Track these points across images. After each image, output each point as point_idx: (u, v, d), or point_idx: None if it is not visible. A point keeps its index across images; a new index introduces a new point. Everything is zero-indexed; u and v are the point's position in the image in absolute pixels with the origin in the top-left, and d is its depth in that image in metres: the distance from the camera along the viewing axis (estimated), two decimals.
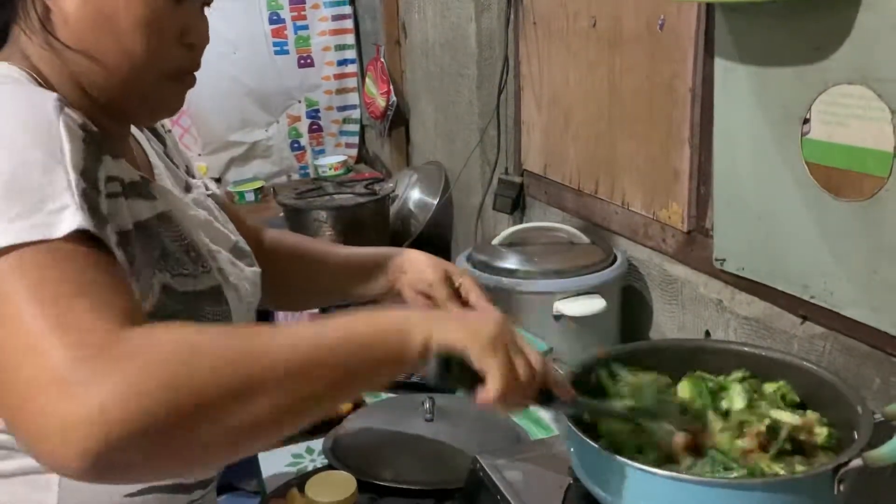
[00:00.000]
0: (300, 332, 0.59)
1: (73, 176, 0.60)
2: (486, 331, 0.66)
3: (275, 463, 1.17)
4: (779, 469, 0.78)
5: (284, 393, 0.55)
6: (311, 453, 1.19)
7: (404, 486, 1.04)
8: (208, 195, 0.91)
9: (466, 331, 0.66)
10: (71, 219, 0.57)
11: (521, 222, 1.68)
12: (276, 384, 0.54)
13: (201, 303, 0.75)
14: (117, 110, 0.73)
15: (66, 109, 0.64)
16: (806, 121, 0.98)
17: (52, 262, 0.56)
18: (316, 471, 1.12)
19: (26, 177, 0.58)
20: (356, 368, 0.60)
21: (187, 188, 0.88)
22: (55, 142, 0.60)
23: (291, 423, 0.58)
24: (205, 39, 0.75)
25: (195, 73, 0.77)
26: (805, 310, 1.04)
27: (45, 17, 0.68)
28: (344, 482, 0.92)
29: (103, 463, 0.49)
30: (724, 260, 1.16)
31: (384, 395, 1.36)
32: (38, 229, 0.56)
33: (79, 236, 0.57)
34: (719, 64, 1.12)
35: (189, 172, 0.92)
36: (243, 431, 0.53)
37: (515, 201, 1.80)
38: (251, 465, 1.24)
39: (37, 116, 0.62)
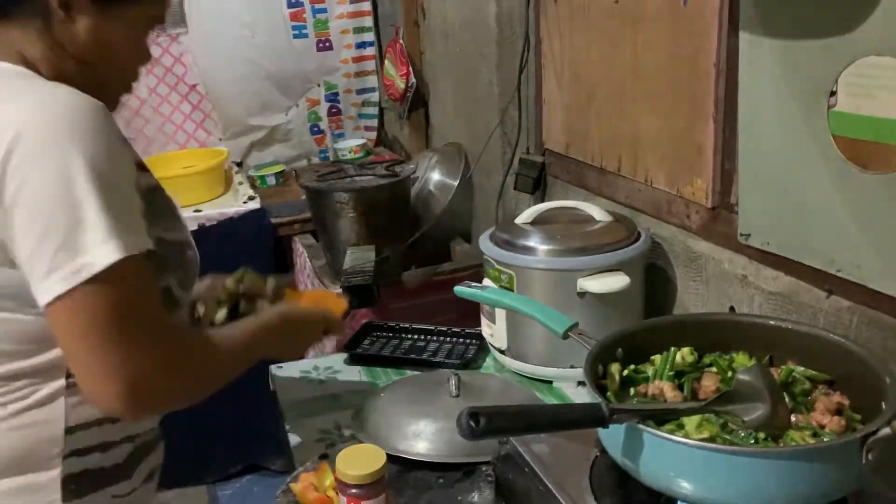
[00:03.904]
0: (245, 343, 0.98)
1: (138, 198, 0.82)
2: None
3: (304, 438, 1.20)
4: (809, 439, 0.79)
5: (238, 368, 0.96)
6: (339, 429, 1.21)
7: (433, 460, 1.05)
8: None
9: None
10: (144, 239, 0.81)
11: (542, 202, 1.68)
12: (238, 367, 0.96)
13: (183, 249, 0.96)
14: None
15: (110, 116, 0.82)
16: (832, 93, 0.97)
17: (135, 277, 0.80)
18: (345, 446, 1.14)
19: (119, 197, 0.79)
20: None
21: None
22: (126, 162, 0.82)
23: (230, 379, 0.94)
24: (150, 61, 0.97)
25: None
26: (831, 284, 1.04)
27: (54, 28, 0.85)
28: (373, 455, 0.94)
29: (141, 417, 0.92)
30: (748, 235, 1.16)
31: (409, 373, 1.38)
32: (132, 247, 0.78)
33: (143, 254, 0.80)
34: (744, 38, 1.11)
35: None
36: (213, 389, 0.91)
37: (537, 181, 1.80)
38: (277, 445, 1.27)
39: (109, 130, 0.81)
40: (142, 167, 0.90)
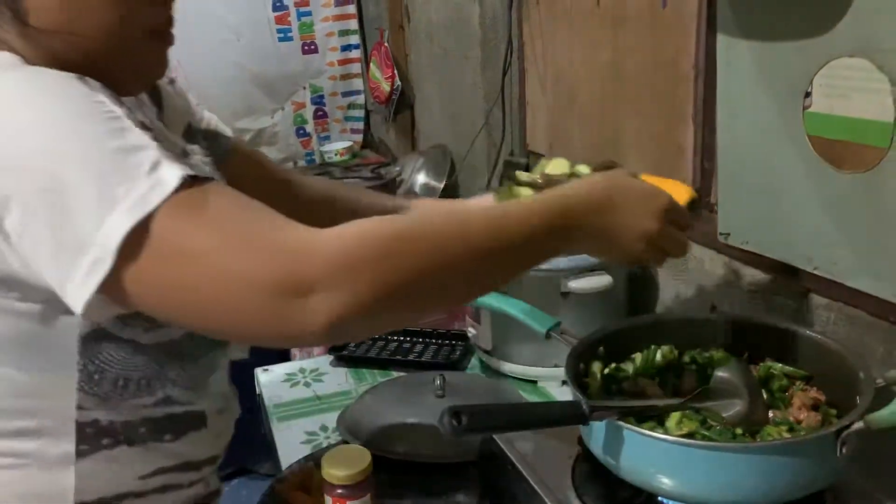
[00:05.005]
0: (481, 229, 0.67)
1: (141, 130, 0.63)
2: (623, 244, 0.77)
3: (290, 440, 1.20)
4: (785, 434, 0.81)
5: (468, 273, 0.66)
6: (325, 430, 1.22)
7: (418, 460, 1.06)
8: (208, 158, 0.91)
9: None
10: (171, 171, 0.61)
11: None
12: (463, 270, 0.65)
13: None
14: (105, 81, 0.72)
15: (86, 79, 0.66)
16: (807, 94, 0.99)
17: (198, 206, 0.61)
18: (330, 447, 1.14)
19: (109, 151, 0.60)
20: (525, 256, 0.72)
21: (184, 154, 0.87)
22: (108, 108, 0.63)
23: (476, 289, 0.71)
24: None
25: (173, 32, 0.78)
26: (809, 281, 1.05)
27: (13, 7, 0.68)
28: (359, 455, 0.94)
29: (333, 340, 0.64)
30: (728, 234, 1.18)
31: (395, 374, 1.39)
32: (151, 194, 0.59)
33: (186, 182, 0.60)
34: (721, 40, 1.13)
35: (190, 129, 0.94)
36: (438, 302, 0.69)
37: None
38: (265, 448, 1.27)
39: (78, 91, 0.64)
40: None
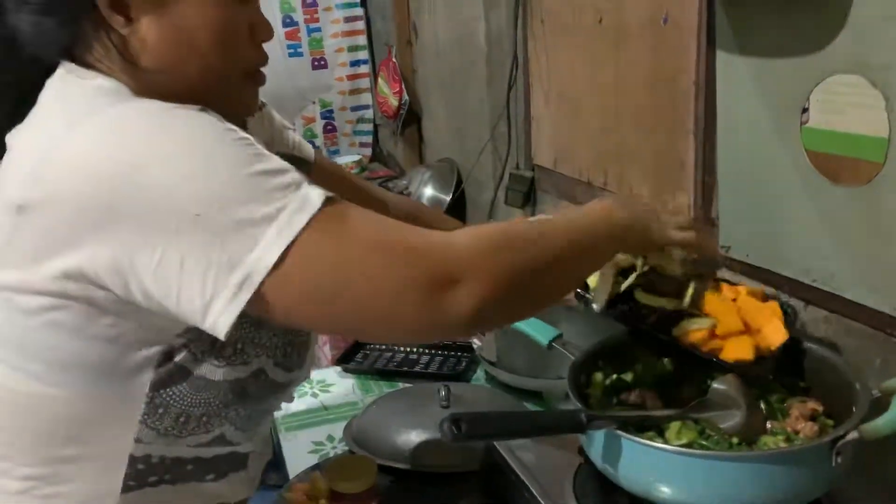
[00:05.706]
0: (562, 229, 0.76)
1: (276, 156, 0.65)
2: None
3: (297, 450, 1.22)
4: (782, 443, 0.82)
5: (566, 265, 0.75)
6: (332, 441, 1.23)
7: (423, 470, 1.08)
8: None
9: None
10: (314, 191, 0.64)
11: (532, 216, 1.71)
12: (563, 261, 0.74)
13: None
14: None
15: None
16: (805, 110, 1.00)
17: (337, 221, 0.64)
18: (337, 457, 1.16)
19: (255, 174, 0.62)
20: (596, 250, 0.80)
21: None
22: (241, 135, 0.65)
23: (570, 283, 0.83)
24: (270, 33, 0.78)
25: (263, 71, 0.80)
26: (807, 293, 1.07)
27: (123, 48, 0.70)
28: (364, 465, 0.96)
29: (477, 327, 0.70)
30: (729, 247, 1.19)
31: (401, 385, 1.40)
32: (299, 214, 0.62)
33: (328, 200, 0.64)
34: (721, 57, 1.15)
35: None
36: (551, 289, 0.75)
37: (527, 196, 1.84)
38: (272, 458, 1.29)
39: (208, 120, 0.65)
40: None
